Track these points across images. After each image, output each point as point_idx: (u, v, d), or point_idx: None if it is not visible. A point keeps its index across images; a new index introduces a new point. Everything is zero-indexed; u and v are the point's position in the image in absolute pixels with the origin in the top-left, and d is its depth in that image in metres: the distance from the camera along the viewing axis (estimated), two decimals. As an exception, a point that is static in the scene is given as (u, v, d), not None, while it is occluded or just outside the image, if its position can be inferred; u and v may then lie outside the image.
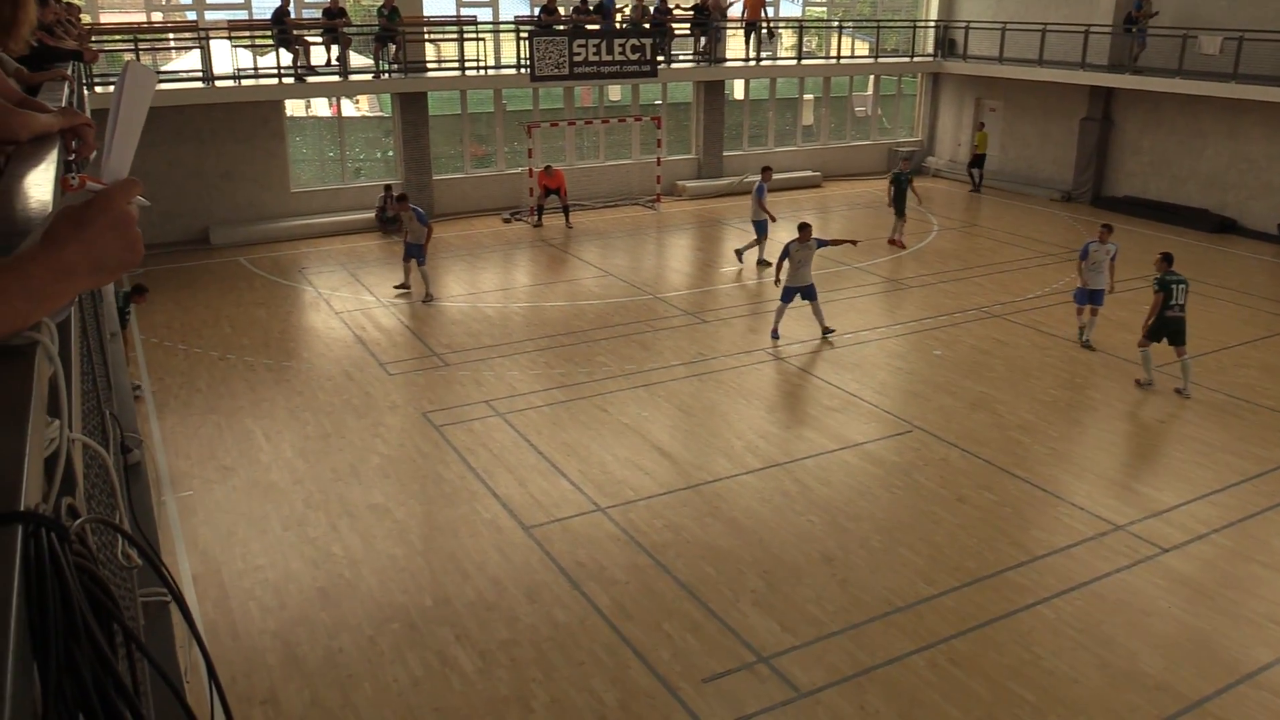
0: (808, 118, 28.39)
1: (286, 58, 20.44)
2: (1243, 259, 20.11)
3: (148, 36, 20.92)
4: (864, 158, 28.75)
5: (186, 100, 19.43)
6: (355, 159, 23.17)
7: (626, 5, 24.50)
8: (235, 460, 10.79)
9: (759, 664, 7.49)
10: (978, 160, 26.21)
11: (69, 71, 4.39)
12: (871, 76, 29.03)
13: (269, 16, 20.50)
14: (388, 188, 21.29)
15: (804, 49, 27.55)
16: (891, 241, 20.18)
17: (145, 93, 1.46)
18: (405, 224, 16.44)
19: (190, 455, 10.91)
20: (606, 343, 14.48)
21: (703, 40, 25.17)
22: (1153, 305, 12.72)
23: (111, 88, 16.60)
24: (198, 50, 19.96)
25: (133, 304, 12.62)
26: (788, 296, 14.49)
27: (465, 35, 22.26)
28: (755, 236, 18.56)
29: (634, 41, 22.94)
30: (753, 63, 26.01)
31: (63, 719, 0.85)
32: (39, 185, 1.86)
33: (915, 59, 28.50)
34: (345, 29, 21.10)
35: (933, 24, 28.73)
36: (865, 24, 29.73)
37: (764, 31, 25.83)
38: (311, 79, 20.81)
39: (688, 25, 25.06)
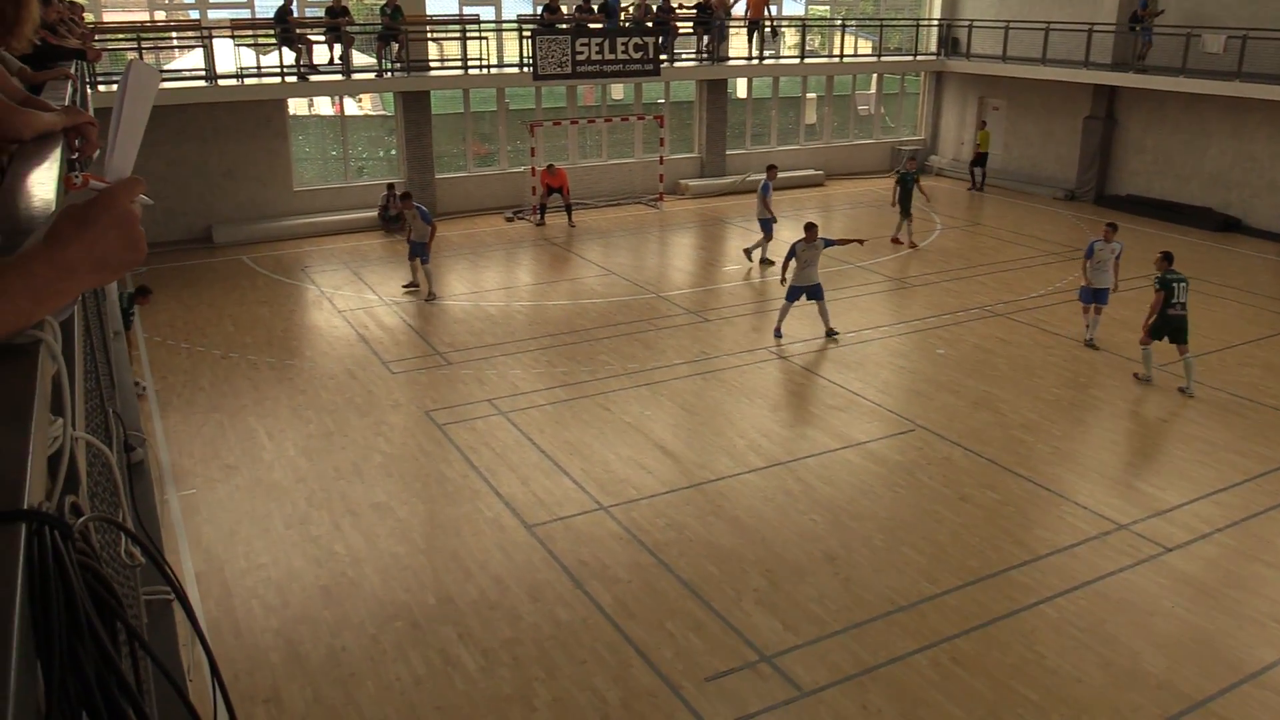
0: (811, 116, 28.36)
1: (289, 56, 20.46)
2: (1247, 258, 20.07)
3: (151, 35, 20.93)
4: (867, 156, 28.72)
5: (189, 99, 19.45)
6: (358, 158, 23.18)
7: (630, 4, 24.48)
8: (238, 459, 10.80)
9: (761, 663, 7.49)
10: (980, 159, 26.19)
11: (72, 70, 4.39)
12: (875, 75, 29.00)
13: (272, 15, 20.51)
14: (390, 186, 21.30)
15: (807, 47, 27.53)
16: (894, 240, 20.16)
17: (148, 91, 1.46)
18: (409, 222, 16.45)
19: (193, 453, 10.93)
20: (609, 341, 14.48)
21: (705, 39, 25.16)
22: (1153, 304, 12.71)
23: (114, 86, 16.56)
24: (200, 49, 19.98)
25: (136, 305, 12.61)
26: (793, 296, 14.48)
27: (468, 34, 22.26)
28: (765, 234, 18.55)
29: (637, 40, 22.93)
30: (756, 61, 25.99)
31: (66, 717, 0.85)
32: (42, 184, 1.86)
33: (918, 57, 28.46)
34: (348, 28, 21.11)
35: (936, 22, 28.70)
36: (868, 22, 29.70)
37: (767, 30, 25.81)
38: (314, 78, 20.82)
39: (690, 24, 25.03)
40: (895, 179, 20.27)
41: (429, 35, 22.75)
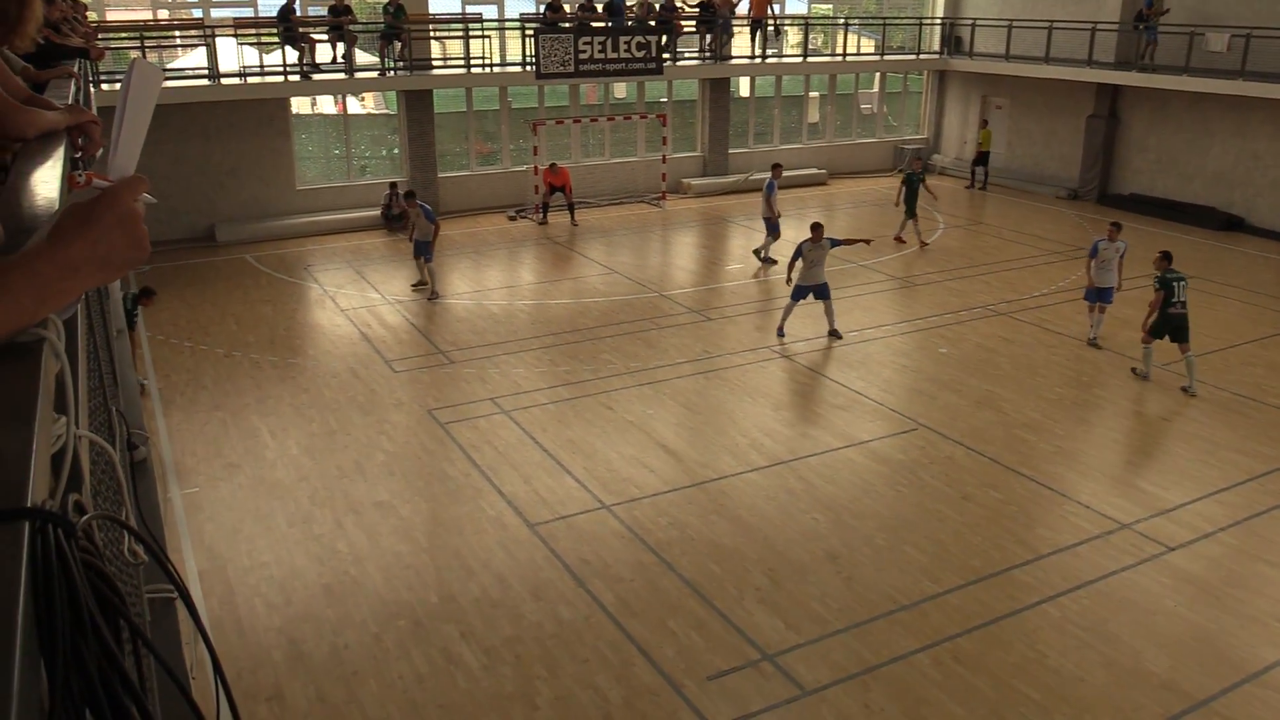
0: (813, 115, 28.35)
1: (292, 55, 20.47)
2: (1250, 257, 20.04)
3: (154, 34, 20.95)
4: (869, 155, 28.70)
5: (192, 98, 19.47)
6: (361, 156, 23.19)
7: (634, 2, 24.47)
8: (241, 457, 10.82)
9: (763, 661, 7.49)
10: (982, 158, 26.16)
11: (75, 69, 4.40)
12: (877, 74, 28.97)
13: (275, 14, 20.52)
14: (393, 185, 21.32)
15: (810, 46, 27.50)
16: (897, 239, 20.14)
17: (151, 90, 1.47)
18: (413, 221, 16.46)
19: (196, 452, 10.94)
20: (611, 340, 14.48)
21: (708, 37, 25.14)
22: (1152, 303, 12.72)
23: (118, 85, 16.59)
24: (203, 48, 19.99)
25: (140, 307, 12.60)
26: (799, 295, 14.47)
27: (471, 33, 22.27)
28: (766, 233, 18.55)
29: (639, 39, 22.92)
30: (758, 60, 25.98)
31: (69, 714, 0.85)
32: (46, 182, 1.86)
33: (921, 56, 28.44)
34: (351, 26, 21.13)
35: (939, 21, 28.66)
36: (871, 21, 29.67)
37: (770, 29, 25.80)
38: (317, 76, 20.84)
39: (694, 22, 25.01)
40: (901, 179, 20.24)
41: (432, 34, 22.75)
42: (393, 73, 21.71)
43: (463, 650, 7.59)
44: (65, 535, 0.93)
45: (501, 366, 13.45)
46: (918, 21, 28.85)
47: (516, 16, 23.98)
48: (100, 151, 2.55)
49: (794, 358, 13.97)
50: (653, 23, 23.76)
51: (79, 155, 2.55)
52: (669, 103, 25.84)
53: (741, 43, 26.29)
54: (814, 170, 27.14)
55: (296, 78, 20.44)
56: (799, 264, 14.38)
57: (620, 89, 25.86)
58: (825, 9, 29.35)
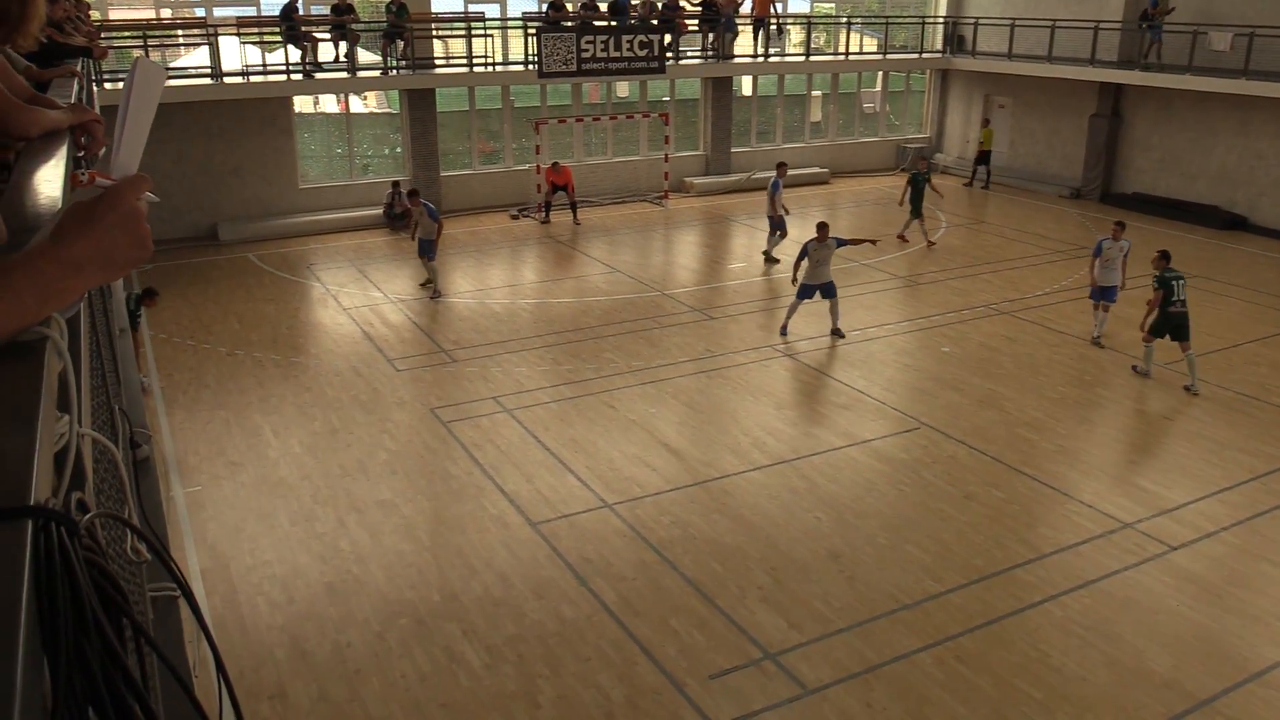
0: (816, 114, 28.33)
1: (295, 54, 20.48)
2: (1253, 256, 20.01)
3: (157, 33, 20.96)
4: (872, 154, 28.68)
5: (195, 97, 19.48)
6: (363, 155, 23.20)
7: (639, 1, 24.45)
8: (243, 456, 10.83)
9: (766, 660, 7.49)
10: (983, 157, 26.14)
11: (78, 68, 4.40)
12: (880, 73, 28.95)
13: (277, 13, 20.53)
14: (395, 184, 21.33)
15: (812, 45, 27.48)
16: (900, 237, 20.13)
17: (154, 89, 1.47)
18: (416, 219, 16.46)
19: (199, 450, 10.95)
20: (614, 339, 14.48)
21: (711, 36, 25.13)
22: (1151, 302, 12.73)
23: (121, 84, 16.61)
24: (206, 47, 20.00)
25: (143, 307, 12.60)
26: (805, 294, 14.47)
27: (473, 31, 22.26)
28: (774, 232, 18.53)
29: (642, 38, 22.91)
30: (761, 59, 25.96)
31: (72, 713, 0.85)
32: (49, 181, 1.87)
33: (924, 55, 28.40)
34: (353, 25, 21.13)
35: (941, 20, 28.63)
36: (874, 20, 29.64)
37: (772, 28, 25.78)
38: (320, 75, 20.84)
39: (697, 21, 24.99)
40: (906, 179, 20.21)
41: (434, 33, 22.75)
42: (395, 71, 21.72)
43: (465, 649, 7.60)
44: (68, 533, 0.93)
45: (504, 365, 13.45)
46: (920, 20, 28.81)
47: (519, 15, 23.97)
48: (103, 150, 2.56)
49: (796, 356, 13.96)
50: (655, 21, 23.74)
51: (82, 154, 2.55)
52: (671, 101, 25.83)
53: (744, 42, 26.27)
54: (816, 169, 27.12)
55: (299, 77, 20.45)
56: (804, 263, 14.39)
57: (623, 88, 25.86)
58: (828, 8, 29.33)
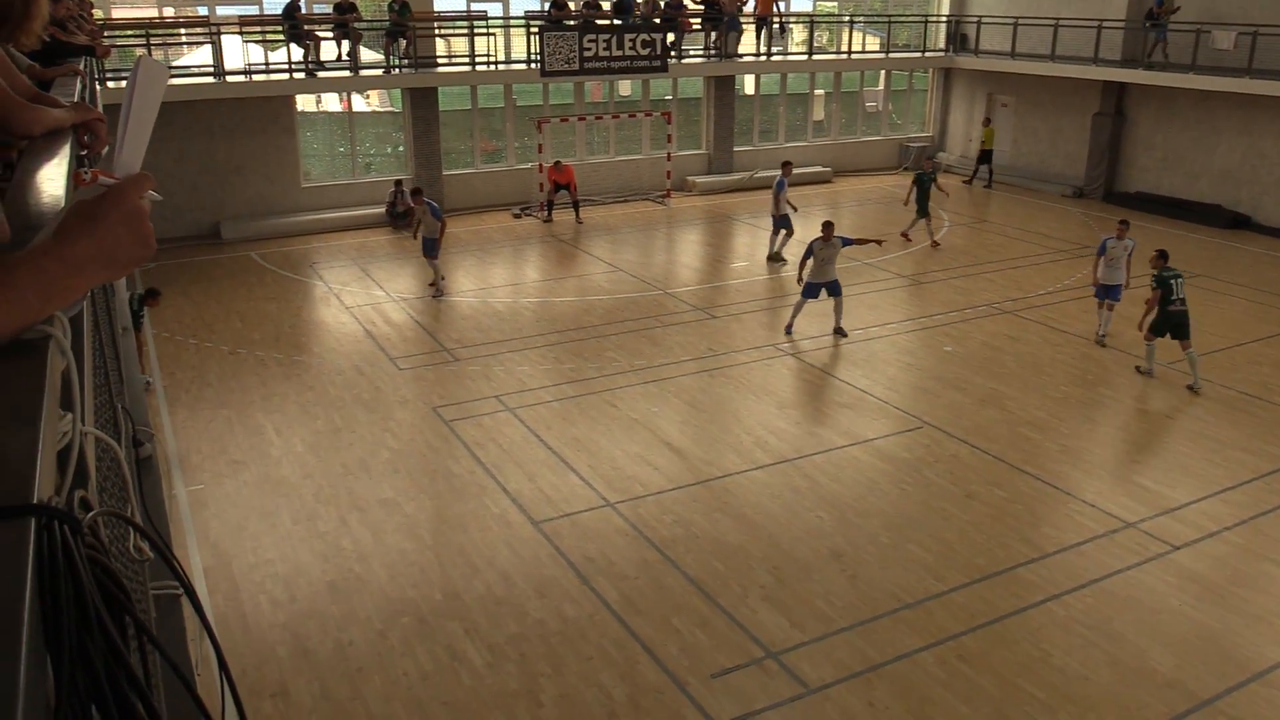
0: (818, 113, 28.31)
1: (297, 53, 20.49)
2: (1256, 255, 19.98)
3: (159, 32, 20.96)
4: (875, 153, 28.66)
5: (198, 95, 19.49)
6: (366, 154, 23.21)
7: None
8: (246, 454, 10.83)
9: (768, 660, 7.49)
10: (985, 156, 26.11)
11: (81, 67, 4.40)
12: (883, 72, 28.92)
13: (280, 12, 20.55)
14: (398, 183, 21.33)
15: (815, 44, 27.46)
16: (904, 235, 20.12)
17: (157, 88, 1.47)
18: (420, 218, 16.46)
19: (201, 449, 10.96)
20: (616, 338, 14.48)
21: (714, 35, 25.12)
22: (1150, 301, 12.74)
23: (123, 83, 16.66)
24: (209, 45, 20.01)
25: (146, 307, 12.61)
26: (811, 292, 14.48)
27: (475, 30, 22.27)
28: (782, 231, 18.52)
29: (644, 37, 22.91)
30: (763, 58, 25.95)
31: (75, 711, 0.85)
32: (52, 180, 1.87)
33: (927, 54, 28.37)
34: (356, 24, 21.13)
35: (944, 19, 28.61)
36: (877, 19, 29.60)
37: (775, 26, 25.76)
38: (322, 74, 20.85)
39: (699, 20, 24.97)
40: (912, 179, 20.20)
41: (437, 31, 22.76)
42: (398, 70, 21.71)
43: (467, 647, 7.60)
44: (71, 531, 0.93)
45: (506, 364, 13.45)
46: (923, 19, 28.77)
47: (521, 14, 23.96)
48: (106, 149, 2.56)
49: (799, 356, 13.96)
50: (658, 20, 23.73)
51: (85, 153, 2.55)
52: (674, 100, 25.81)
53: (746, 40, 26.26)
54: (819, 168, 27.10)
55: (301, 75, 20.46)
56: (810, 262, 14.40)
57: (625, 86, 25.84)
58: (830, 7, 29.31)
